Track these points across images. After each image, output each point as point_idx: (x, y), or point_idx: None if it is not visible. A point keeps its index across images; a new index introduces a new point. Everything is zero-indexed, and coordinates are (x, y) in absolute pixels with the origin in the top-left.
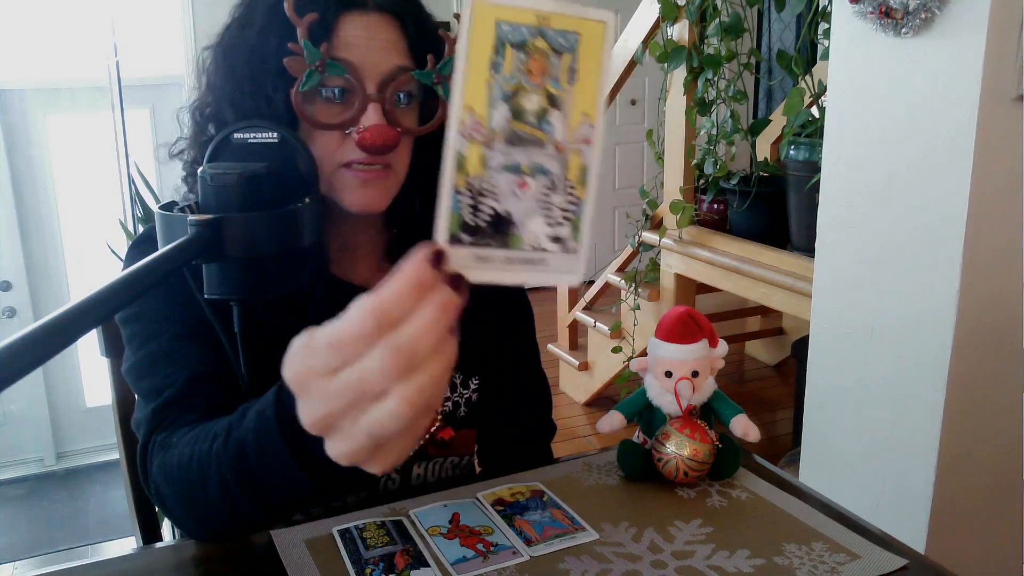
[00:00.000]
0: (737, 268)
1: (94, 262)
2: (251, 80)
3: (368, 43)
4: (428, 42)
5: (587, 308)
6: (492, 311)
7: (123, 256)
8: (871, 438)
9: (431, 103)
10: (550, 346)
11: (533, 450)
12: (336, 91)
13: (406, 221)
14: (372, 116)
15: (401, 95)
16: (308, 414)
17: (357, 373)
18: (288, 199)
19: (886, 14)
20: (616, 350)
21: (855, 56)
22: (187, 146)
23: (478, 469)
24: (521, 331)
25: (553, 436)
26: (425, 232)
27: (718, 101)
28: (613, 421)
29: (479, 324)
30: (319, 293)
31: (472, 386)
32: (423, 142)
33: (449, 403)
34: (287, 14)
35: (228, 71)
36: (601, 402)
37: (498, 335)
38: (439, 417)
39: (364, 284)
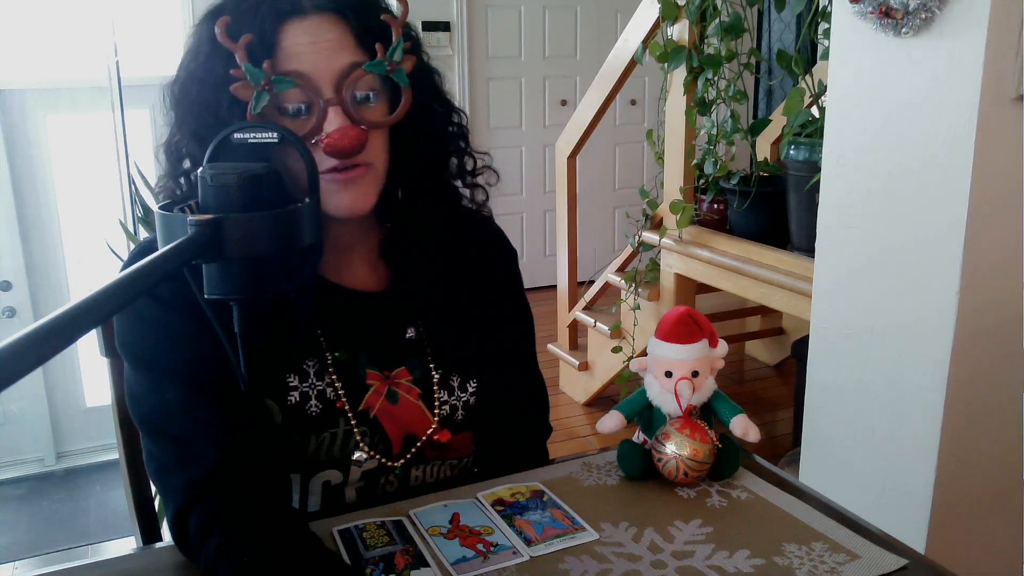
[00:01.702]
0: (737, 268)
1: (94, 262)
2: (207, 111)
3: (314, 47)
4: (375, 32)
5: (587, 308)
6: (492, 314)
7: (123, 257)
8: (871, 438)
9: (396, 93)
10: (550, 346)
11: (529, 451)
12: (301, 105)
13: (396, 216)
14: (334, 120)
15: (370, 95)
16: None
17: None
18: (288, 199)
19: (886, 14)
20: (616, 350)
21: (855, 56)
22: (165, 182)
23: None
24: (520, 334)
25: (548, 437)
26: (418, 226)
27: (718, 101)
28: (613, 421)
29: (478, 327)
30: (309, 299)
31: (470, 389)
32: (398, 133)
33: (447, 407)
34: (219, 40)
35: (187, 105)
36: (601, 402)
37: (497, 338)
38: (435, 421)
39: (357, 288)
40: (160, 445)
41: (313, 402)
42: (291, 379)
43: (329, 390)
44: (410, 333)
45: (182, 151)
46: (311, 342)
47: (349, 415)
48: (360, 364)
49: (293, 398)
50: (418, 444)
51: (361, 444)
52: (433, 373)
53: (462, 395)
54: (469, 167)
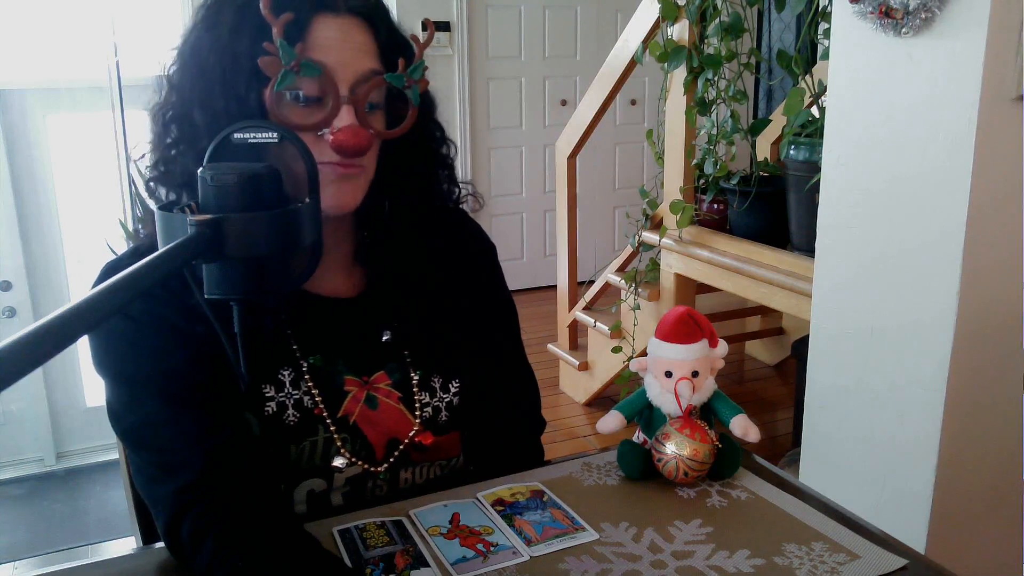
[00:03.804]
0: (737, 268)
1: (94, 262)
2: (222, 80)
3: (341, 45)
4: (398, 46)
5: (587, 308)
6: (473, 311)
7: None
8: (871, 438)
9: (395, 109)
10: (550, 346)
11: (522, 446)
12: (315, 95)
13: (376, 223)
14: (345, 117)
15: (378, 105)
16: None
17: None
18: (288, 199)
19: (886, 14)
20: (616, 350)
21: (855, 56)
22: (151, 148)
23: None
24: (504, 328)
25: (542, 431)
26: (396, 235)
27: (718, 101)
28: (613, 421)
29: (460, 326)
30: (281, 308)
31: (452, 389)
32: (390, 145)
33: (429, 408)
34: (263, 13)
35: (196, 72)
36: (601, 402)
37: (480, 334)
38: (417, 422)
39: (330, 295)
40: (145, 458)
41: (290, 411)
42: (267, 389)
43: (306, 399)
44: (386, 336)
45: (176, 118)
46: (285, 351)
47: (328, 422)
48: (338, 371)
49: (270, 409)
50: (401, 447)
51: (342, 451)
52: (412, 375)
53: (444, 396)
54: (453, 196)
